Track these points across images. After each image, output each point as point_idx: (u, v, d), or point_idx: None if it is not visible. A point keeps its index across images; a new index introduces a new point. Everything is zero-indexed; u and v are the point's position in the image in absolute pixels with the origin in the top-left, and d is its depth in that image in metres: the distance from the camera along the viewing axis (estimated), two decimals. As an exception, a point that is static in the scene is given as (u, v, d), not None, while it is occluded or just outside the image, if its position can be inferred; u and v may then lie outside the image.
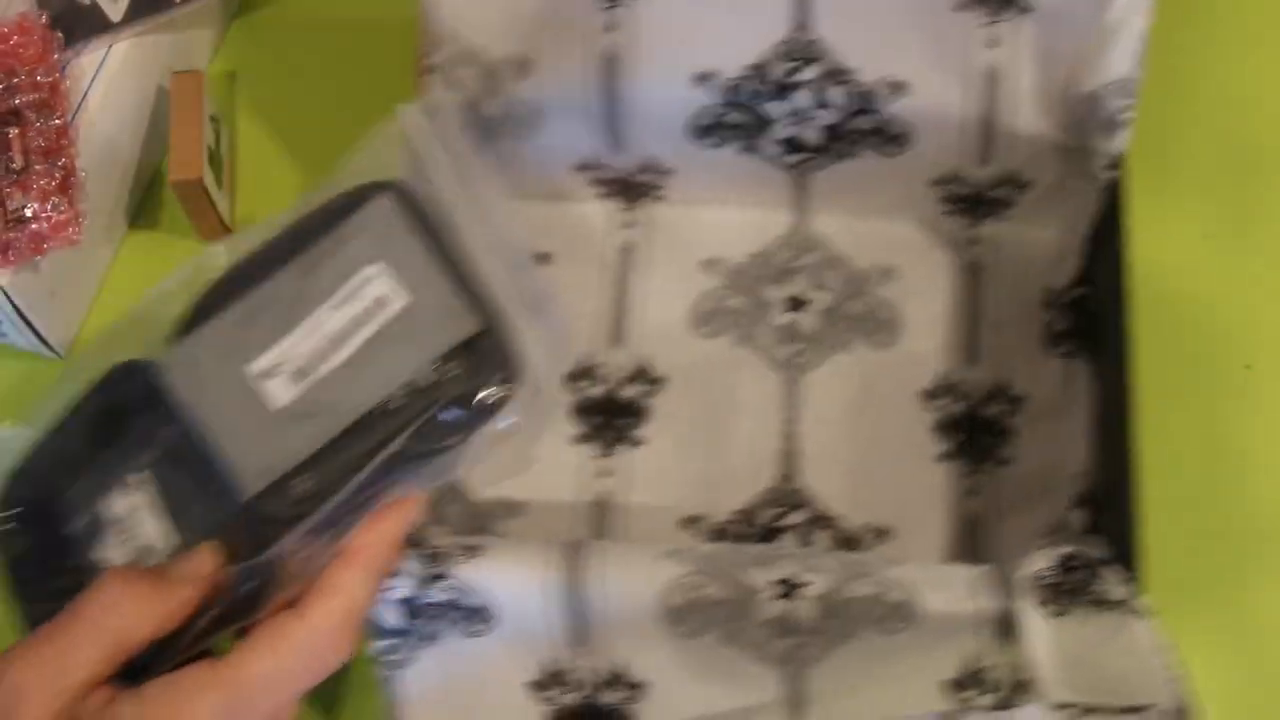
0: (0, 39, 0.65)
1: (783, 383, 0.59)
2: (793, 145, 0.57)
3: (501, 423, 0.52)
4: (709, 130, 0.57)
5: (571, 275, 0.61)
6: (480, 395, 0.52)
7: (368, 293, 0.56)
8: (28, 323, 0.61)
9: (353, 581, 0.47)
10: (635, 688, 0.51)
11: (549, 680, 0.51)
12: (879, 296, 0.60)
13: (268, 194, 0.66)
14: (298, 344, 0.58)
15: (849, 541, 0.56)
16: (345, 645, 0.47)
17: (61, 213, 0.61)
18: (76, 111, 0.63)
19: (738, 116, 0.56)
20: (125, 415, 0.55)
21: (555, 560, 0.49)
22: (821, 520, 0.56)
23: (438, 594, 0.49)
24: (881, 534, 0.56)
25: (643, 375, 0.59)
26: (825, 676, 0.49)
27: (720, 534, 0.56)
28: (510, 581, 0.49)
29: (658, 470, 0.57)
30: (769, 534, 0.56)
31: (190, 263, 0.56)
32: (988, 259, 0.60)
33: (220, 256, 0.57)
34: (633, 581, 0.49)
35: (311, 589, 0.47)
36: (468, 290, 0.54)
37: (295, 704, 0.47)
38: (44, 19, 0.64)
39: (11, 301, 0.60)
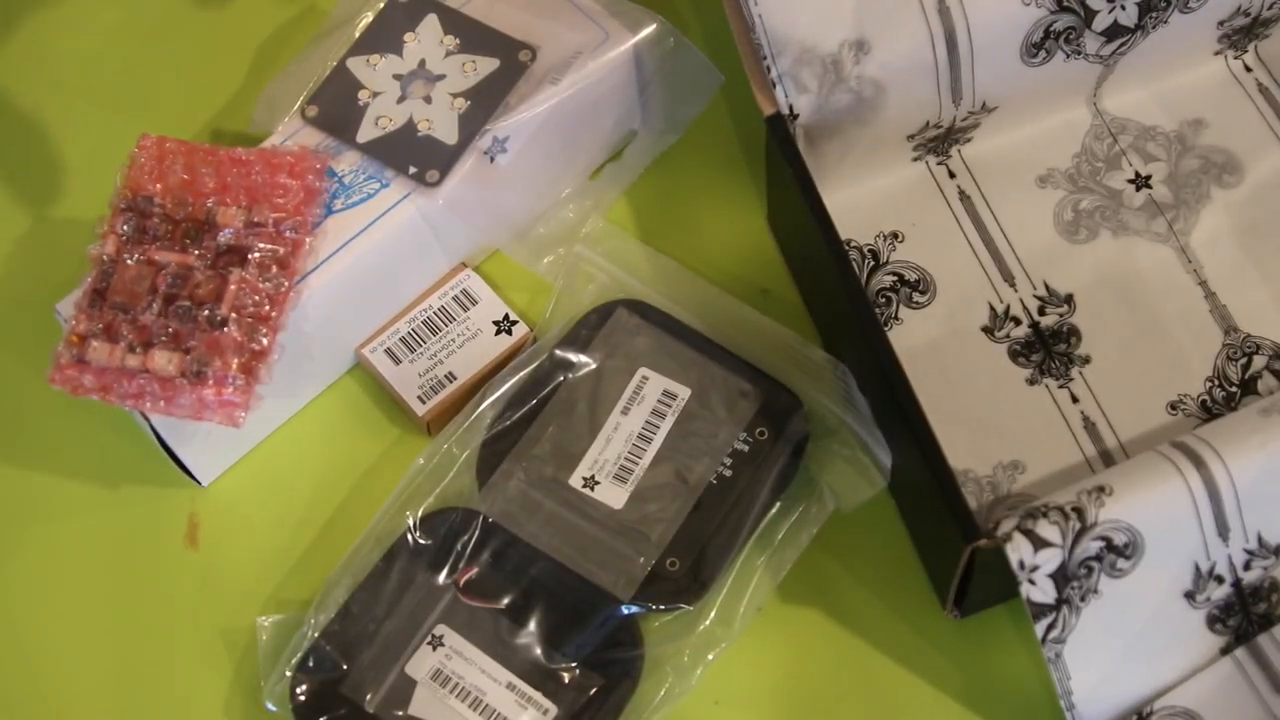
0: (270, 166, 0.57)
1: (1175, 250, 0.60)
2: (1113, 32, 0.58)
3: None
4: (1039, 46, 0.58)
5: (931, 241, 0.61)
6: (795, 441, 0.56)
7: (649, 392, 0.56)
8: (174, 456, 0.58)
9: None
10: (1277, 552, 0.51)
11: (1203, 583, 0.51)
12: (1204, 145, 0.62)
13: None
14: (603, 451, 0.56)
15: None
16: None
17: (235, 391, 0.54)
18: (304, 277, 0.56)
19: (1066, 19, 0.57)
20: (419, 573, 0.55)
21: (1180, 459, 0.49)
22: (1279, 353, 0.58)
23: (1091, 544, 0.48)
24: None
25: (1053, 299, 0.59)
26: None
27: (1205, 405, 0.57)
28: (1155, 497, 0.49)
29: (1118, 374, 0.58)
30: (1247, 385, 0.57)
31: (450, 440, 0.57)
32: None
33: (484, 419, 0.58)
34: (1260, 450, 0.49)
35: None
36: (732, 365, 0.58)
37: None
38: (320, 165, 0.57)
39: (159, 436, 0.57)
